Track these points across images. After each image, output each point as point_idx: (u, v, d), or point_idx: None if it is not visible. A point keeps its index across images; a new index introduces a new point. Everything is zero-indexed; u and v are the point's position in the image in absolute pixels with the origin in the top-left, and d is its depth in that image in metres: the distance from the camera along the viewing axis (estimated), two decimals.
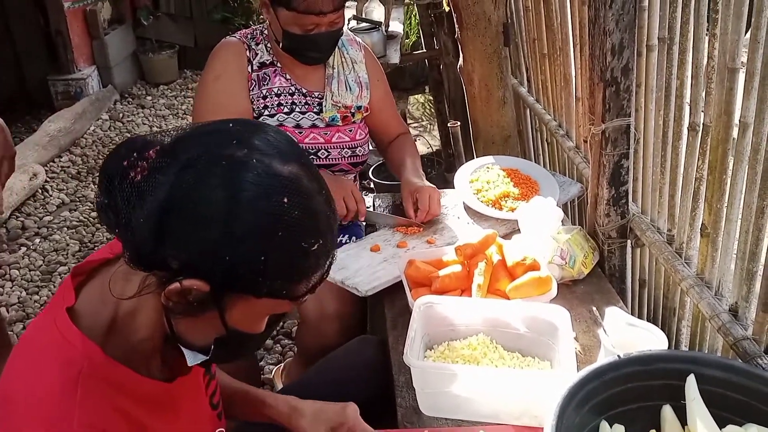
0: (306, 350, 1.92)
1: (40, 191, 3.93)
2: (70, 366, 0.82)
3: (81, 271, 0.93)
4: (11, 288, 3.09)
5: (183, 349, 0.88)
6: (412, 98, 5.18)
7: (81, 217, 3.71)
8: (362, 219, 1.90)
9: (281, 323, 2.55)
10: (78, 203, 3.88)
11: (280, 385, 2.27)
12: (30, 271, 3.23)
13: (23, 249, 3.40)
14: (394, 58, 3.13)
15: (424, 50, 3.51)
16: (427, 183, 1.90)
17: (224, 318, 0.82)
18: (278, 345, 2.66)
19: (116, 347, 0.86)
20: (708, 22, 1.25)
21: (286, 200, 0.76)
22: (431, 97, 4.30)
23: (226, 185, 0.76)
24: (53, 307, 0.89)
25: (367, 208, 1.96)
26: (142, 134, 0.82)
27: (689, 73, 1.35)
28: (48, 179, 4.06)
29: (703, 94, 1.31)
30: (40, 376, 0.83)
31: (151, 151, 0.79)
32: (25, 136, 4.47)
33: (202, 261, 0.77)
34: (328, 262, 0.85)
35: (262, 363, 2.51)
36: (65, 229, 3.60)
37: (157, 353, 0.94)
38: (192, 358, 0.89)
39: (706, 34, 1.26)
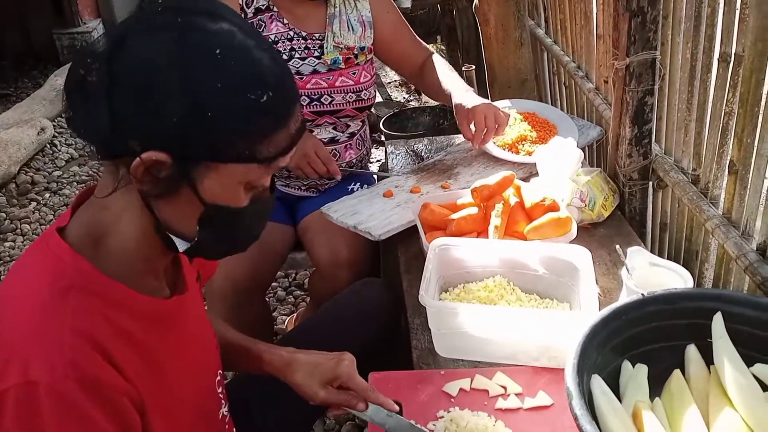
0: (318, 298, 1.90)
1: (48, 146, 3.90)
2: (60, 279, 0.81)
3: (81, 199, 0.91)
4: (22, 242, 3.09)
5: (172, 237, 0.86)
6: None
7: (90, 172, 3.68)
8: (338, 177, 1.83)
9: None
10: (87, 158, 3.85)
11: None
12: (41, 225, 3.22)
13: (33, 204, 3.39)
14: (406, 2, 3.04)
15: None
16: (480, 99, 1.77)
17: (198, 192, 0.81)
18: (291, 296, 2.65)
19: (108, 262, 0.84)
20: None
21: (218, 52, 0.77)
22: (443, 46, 4.19)
23: (153, 48, 0.76)
24: (47, 231, 0.88)
25: (346, 164, 1.89)
26: (90, 42, 0.83)
27: (722, 0, 1.28)
28: (56, 134, 4.02)
29: (737, 21, 1.23)
30: (31, 288, 0.82)
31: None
32: (32, 91, 4.42)
33: (152, 130, 0.77)
34: (294, 125, 0.83)
35: (275, 314, 2.51)
36: (75, 183, 3.58)
37: (152, 268, 0.92)
38: (181, 245, 0.87)
39: None
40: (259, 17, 1.80)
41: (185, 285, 0.99)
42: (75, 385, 0.75)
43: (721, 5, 1.29)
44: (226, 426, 1.08)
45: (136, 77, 0.76)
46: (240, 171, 0.81)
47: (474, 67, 2.46)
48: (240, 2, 1.79)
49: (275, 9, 1.80)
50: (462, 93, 1.82)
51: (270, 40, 1.78)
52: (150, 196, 0.81)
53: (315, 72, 1.82)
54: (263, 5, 1.80)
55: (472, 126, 1.74)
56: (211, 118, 0.76)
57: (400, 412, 1.10)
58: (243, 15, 1.78)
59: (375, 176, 2.10)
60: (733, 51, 1.25)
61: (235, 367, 1.21)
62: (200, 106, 0.75)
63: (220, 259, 1.00)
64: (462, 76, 2.35)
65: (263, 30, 1.79)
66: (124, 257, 0.85)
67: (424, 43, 2.03)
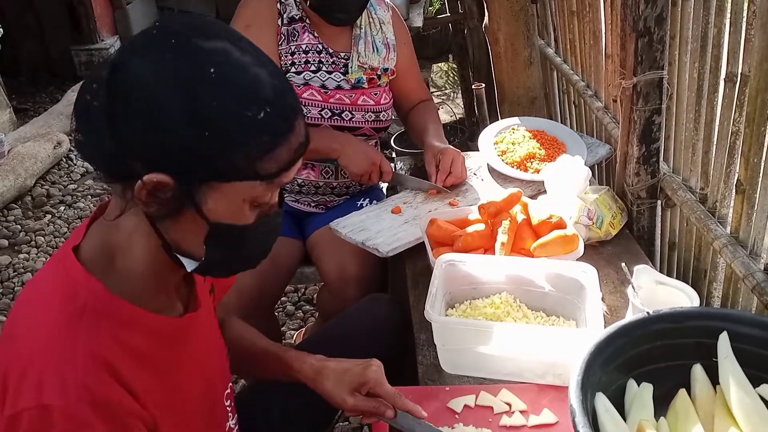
0: (327, 313, 1.91)
1: (64, 160, 3.97)
2: (73, 300, 0.82)
3: (96, 215, 0.92)
4: (36, 254, 3.13)
5: (180, 257, 0.86)
6: (435, 66, 5.10)
7: (105, 185, 3.73)
8: (387, 180, 1.88)
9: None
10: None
11: None
12: (55, 237, 3.27)
13: (48, 216, 3.44)
14: (417, 21, 3.07)
15: (448, 14, 3.43)
16: (450, 146, 1.86)
17: (202, 212, 0.80)
18: (300, 311, 2.66)
19: (119, 282, 0.85)
20: None
21: (212, 71, 0.76)
22: (455, 65, 4.22)
23: (149, 70, 0.76)
24: (63, 247, 0.89)
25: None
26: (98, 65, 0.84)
27: (728, 20, 1.28)
28: (72, 148, 4.08)
29: (743, 41, 1.24)
30: (44, 310, 0.83)
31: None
32: (49, 106, 4.50)
33: (152, 152, 0.77)
34: (296, 140, 0.82)
35: (284, 328, 2.52)
36: (89, 197, 3.63)
37: (164, 286, 0.92)
38: (189, 265, 0.87)
39: None
40: (293, 26, 1.83)
41: (198, 302, 1.00)
42: (88, 408, 0.76)
43: (727, 26, 1.30)
44: None
45: (133, 99, 0.76)
46: (243, 189, 0.80)
47: (484, 85, 2.48)
48: (278, 8, 1.82)
49: (307, 20, 1.84)
50: (436, 136, 1.90)
51: (301, 50, 1.82)
52: (156, 217, 0.82)
53: (339, 88, 1.86)
54: (296, 15, 1.83)
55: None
56: (209, 138, 0.75)
57: None
58: (279, 21, 1.82)
59: (383, 191, 2.12)
60: (740, 71, 1.25)
61: (265, 373, 1.22)
62: (198, 126, 0.75)
63: (232, 276, 0.99)
64: (472, 94, 2.37)
65: (296, 39, 1.83)
66: (134, 277, 0.86)
67: (426, 88, 2.13)
